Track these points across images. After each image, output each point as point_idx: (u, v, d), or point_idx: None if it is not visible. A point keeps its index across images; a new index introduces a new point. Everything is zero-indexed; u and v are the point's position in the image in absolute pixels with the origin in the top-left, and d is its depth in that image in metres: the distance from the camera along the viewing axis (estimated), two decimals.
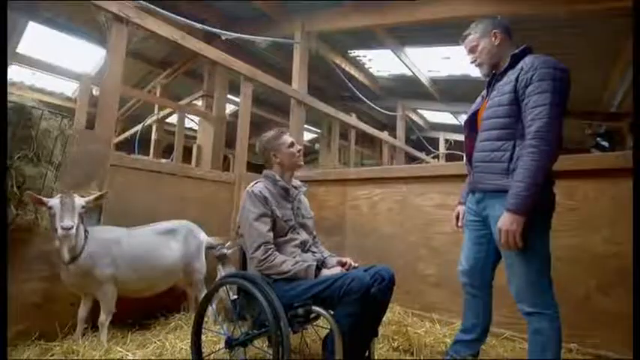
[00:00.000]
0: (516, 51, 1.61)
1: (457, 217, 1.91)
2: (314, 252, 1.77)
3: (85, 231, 1.96)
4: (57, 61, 5.14)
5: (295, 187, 1.86)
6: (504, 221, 1.44)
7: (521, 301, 1.52)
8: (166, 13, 3.03)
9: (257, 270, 1.61)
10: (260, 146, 1.86)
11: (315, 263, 1.57)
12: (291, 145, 1.82)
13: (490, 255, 1.72)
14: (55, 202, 1.78)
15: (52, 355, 1.84)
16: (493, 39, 1.66)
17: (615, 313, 1.92)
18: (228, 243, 2.38)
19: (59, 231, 1.74)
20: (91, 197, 1.92)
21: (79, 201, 1.85)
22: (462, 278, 1.82)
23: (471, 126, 1.77)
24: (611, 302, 1.94)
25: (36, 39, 4.81)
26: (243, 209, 1.70)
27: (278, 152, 1.81)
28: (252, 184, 1.76)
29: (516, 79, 1.52)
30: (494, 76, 1.71)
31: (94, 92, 4.70)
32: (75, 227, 1.77)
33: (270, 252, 1.60)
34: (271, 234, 1.65)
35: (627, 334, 1.84)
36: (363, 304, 1.39)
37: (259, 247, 1.59)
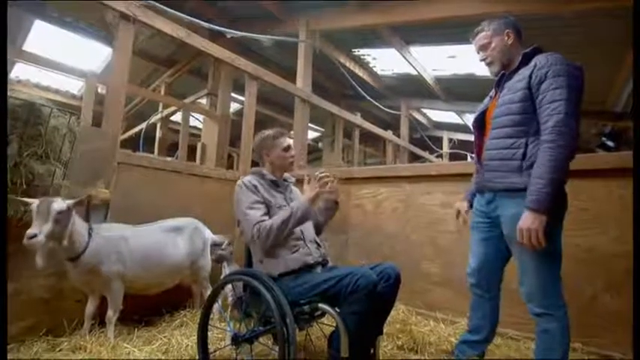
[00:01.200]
0: (528, 50, 1.60)
1: (458, 213, 1.89)
2: (318, 244, 1.77)
3: (90, 229, 1.98)
4: (63, 59, 5.16)
5: (285, 180, 1.88)
6: (525, 220, 1.40)
7: (530, 301, 1.51)
8: (172, 11, 3.04)
9: (264, 250, 1.62)
10: (256, 143, 1.89)
11: (306, 198, 1.62)
12: (287, 149, 1.83)
13: (498, 256, 1.70)
14: (33, 207, 1.74)
15: (59, 351, 1.86)
16: (506, 38, 1.64)
17: (622, 314, 1.91)
18: (225, 243, 2.39)
19: (24, 239, 1.66)
20: (72, 201, 1.84)
21: (58, 205, 1.77)
22: (470, 279, 1.80)
23: (479, 126, 1.76)
24: (619, 302, 1.93)
25: (42, 37, 4.84)
26: (236, 202, 1.71)
27: (270, 152, 1.82)
28: (240, 178, 1.78)
29: (530, 76, 1.50)
30: (502, 75, 1.70)
31: (99, 90, 4.73)
32: (44, 234, 1.71)
33: (260, 225, 1.59)
34: (266, 218, 1.64)
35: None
36: (369, 301, 1.39)
37: (253, 227, 1.60)
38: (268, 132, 1.87)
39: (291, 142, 1.87)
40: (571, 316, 1.50)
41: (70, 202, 1.84)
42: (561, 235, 1.52)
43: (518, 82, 1.56)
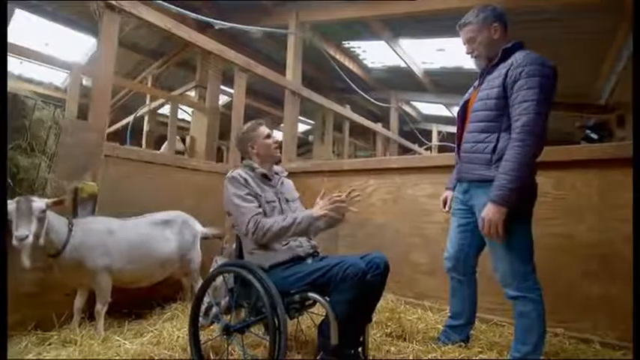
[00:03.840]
0: (508, 45, 1.63)
1: (445, 202, 1.99)
2: (309, 238, 1.79)
3: (70, 224, 1.95)
4: (46, 50, 5.04)
5: (276, 173, 1.89)
6: (487, 211, 1.50)
7: (506, 285, 1.60)
8: (159, 1, 2.98)
9: (258, 245, 1.62)
10: (237, 138, 1.90)
11: (313, 214, 1.58)
12: (268, 136, 1.84)
13: (474, 243, 1.79)
14: (11, 207, 1.71)
15: (49, 345, 1.85)
16: (492, 32, 1.66)
17: (600, 299, 1.99)
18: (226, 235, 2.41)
19: (14, 241, 1.67)
20: (50, 200, 1.81)
21: (38, 204, 1.74)
22: (447, 264, 1.89)
23: (462, 117, 1.80)
24: (596, 288, 2.01)
25: (24, 27, 4.69)
26: (226, 196, 1.70)
27: (255, 143, 1.83)
28: (230, 171, 1.78)
29: (506, 74, 1.56)
30: (486, 67, 1.73)
31: (83, 82, 4.63)
32: (32, 234, 1.70)
33: (258, 220, 1.59)
34: (261, 210, 1.65)
35: (611, 318, 1.93)
36: (358, 290, 1.42)
37: (249, 221, 1.59)
38: (247, 125, 1.88)
39: (270, 131, 1.87)
40: (550, 301, 1.57)
41: (48, 200, 1.80)
42: (531, 223, 1.60)
43: (495, 78, 1.61)
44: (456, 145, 1.86)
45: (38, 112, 1.91)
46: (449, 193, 1.97)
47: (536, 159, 1.52)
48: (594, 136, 5.45)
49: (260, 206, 1.68)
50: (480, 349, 1.82)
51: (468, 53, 1.76)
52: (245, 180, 1.71)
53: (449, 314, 1.95)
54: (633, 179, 1.45)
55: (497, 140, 1.57)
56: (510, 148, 1.49)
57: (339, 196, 1.61)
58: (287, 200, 1.83)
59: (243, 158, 1.95)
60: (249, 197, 1.67)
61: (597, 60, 4.63)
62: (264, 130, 1.84)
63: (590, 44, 4.31)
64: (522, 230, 1.57)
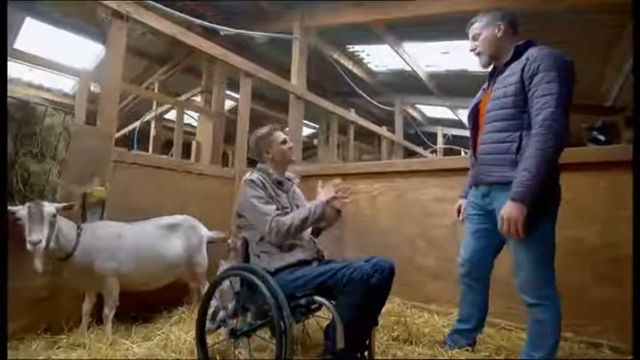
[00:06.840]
0: (520, 42, 1.61)
1: (458, 210, 1.94)
2: (314, 242, 1.80)
3: (78, 228, 1.98)
4: (55, 57, 5.12)
5: (289, 179, 1.90)
6: (507, 209, 1.45)
7: (524, 292, 1.54)
8: (165, 8, 3.03)
9: (280, 242, 1.64)
10: (253, 143, 1.90)
11: (322, 200, 1.67)
12: (284, 141, 1.85)
13: (490, 248, 1.75)
14: (23, 213, 1.75)
15: (58, 348, 1.87)
16: (496, 30, 1.65)
17: (609, 303, 1.96)
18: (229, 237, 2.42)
19: (28, 245, 1.71)
20: (60, 205, 1.85)
21: (49, 209, 1.79)
22: (460, 269, 1.85)
23: (474, 120, 1.77)
24: (606, 292, 1.98)
25: (33, 35, 4.78)
26: (244, 198, 1.71)
27: (270, 149, 1.84)
28: (247, 174, 1.79)
29: (522, 70, 1.51)
30: (495, 68, 1.71)
31: (91, 88, 4.70)
32: (45, 239, 1.74)
33: (279, 220, 1.61)
34: (280, 212, 1.67)
35: (621, 322, 1.90)
36: (364, 293, 1.42)
37: (271, 221, 1.61)
38: (263, 130, 1.89)
39: (286, 136, 1.89)
40: (561, 306, 1.54)
41: (58, 205, 1.84)
42: (555, 228, 1.54)
43: (510, 75, 1.57)
44: (471, 148, 1.82)
45: (49, 119, 1.95)
46: (463, 202, 1.92)
47: (559, 154, 1.46)
48: (601, 137, 5.40)
49: (278, 209, 1.70)
50: (487, 354, 1.81)
51: (471, 50, 1.74)
52: (263, 184, 1.73)
53: (457, 318, 1.93)
54: (633, 182, 1.43)
55: (520, 139, 1.50)
56: (531, 144, 1.43)
57: (338, 181, 1.73)
58: (297, 207, 1.84)
59: (250, 162, 1.97)
60: (269, 199, 1.69)
61: (604, 60, 4.60)
62: (279, 135, 1.85)
63: (597, 45, 4.29)
64: (547, 234, 1.51)
